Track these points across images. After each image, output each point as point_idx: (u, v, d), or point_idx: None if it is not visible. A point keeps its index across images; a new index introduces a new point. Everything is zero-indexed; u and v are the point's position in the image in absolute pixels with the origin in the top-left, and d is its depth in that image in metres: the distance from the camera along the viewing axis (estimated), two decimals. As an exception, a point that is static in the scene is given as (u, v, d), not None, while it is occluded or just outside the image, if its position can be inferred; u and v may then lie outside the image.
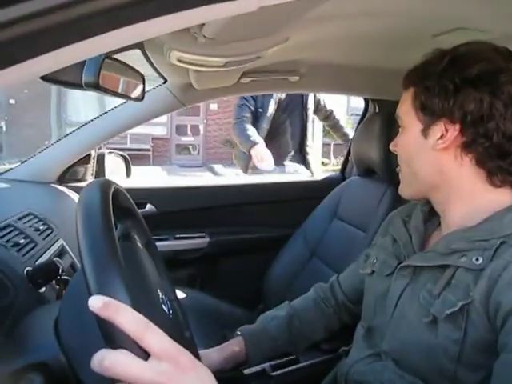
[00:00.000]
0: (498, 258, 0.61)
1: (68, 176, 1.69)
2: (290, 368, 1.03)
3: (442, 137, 0.72)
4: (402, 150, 0.81)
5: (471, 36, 0.76)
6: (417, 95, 0.75)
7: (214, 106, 12.78)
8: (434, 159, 0.74)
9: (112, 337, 0.43)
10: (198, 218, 1.92)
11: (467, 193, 0.73)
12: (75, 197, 1.60)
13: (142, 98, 1.18)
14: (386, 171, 1.44)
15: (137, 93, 1.16)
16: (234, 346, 0.98)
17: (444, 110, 0.70)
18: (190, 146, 14.31)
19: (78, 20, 0.30)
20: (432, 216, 0.83)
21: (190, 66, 1.04)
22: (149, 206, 1.86)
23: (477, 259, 0.63)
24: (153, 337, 0.44)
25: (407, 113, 0.77)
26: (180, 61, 0.99)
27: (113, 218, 0.56)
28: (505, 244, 0.62)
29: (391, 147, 0.85)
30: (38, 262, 0.94)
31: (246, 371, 0.99)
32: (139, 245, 0.77)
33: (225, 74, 1.29)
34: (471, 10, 0.89)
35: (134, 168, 2.08)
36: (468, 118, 0.68)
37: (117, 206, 0.64)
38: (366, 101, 1.98)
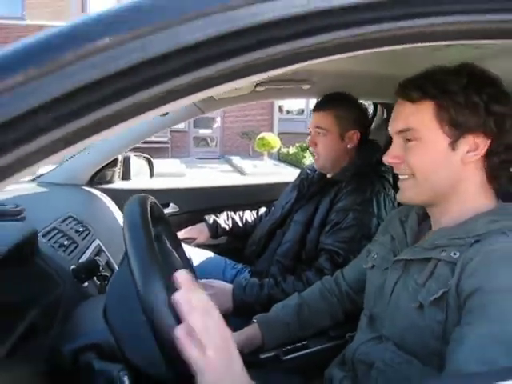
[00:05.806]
0: (468, 252, 0.72)
1: (97, 179, 1.83)
2: (300, 353, 1.13)
3: (471, 149, 0.75)
4: (419, 163, 0.79)
5: (465, 51, 0.81)
6: (442, 109, 0.75)
7: (231, 99, 12.75)
8: (459, 170, 0.77)
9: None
10: None
11: (468, 198, 0.79)
12: (105, 198, 1.74)
13: (167, 113, 1.30)
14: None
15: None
16: (250, 331, 1.10)
17: (478, 125, 0.74)
18: (208, 139, 14.31)
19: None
20: (426, 217, 0.92)
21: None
22: (172, 205, 1.99)
23: (454, 254, 0.74)
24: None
25: (428, 126, 0.76)
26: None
27: (151, 227, 0.69)
28: (477, 242, 0.73)
29: (392, 160, 0.83)
30: (80, 261, 1.09)
31: (261, 356, 1.10)
32: (169, 247, 0.91)
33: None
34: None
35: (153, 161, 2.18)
36: (502, 132, 0.74)
37: (152, 216, 0.78)
38: (375, 105, 1.97)
